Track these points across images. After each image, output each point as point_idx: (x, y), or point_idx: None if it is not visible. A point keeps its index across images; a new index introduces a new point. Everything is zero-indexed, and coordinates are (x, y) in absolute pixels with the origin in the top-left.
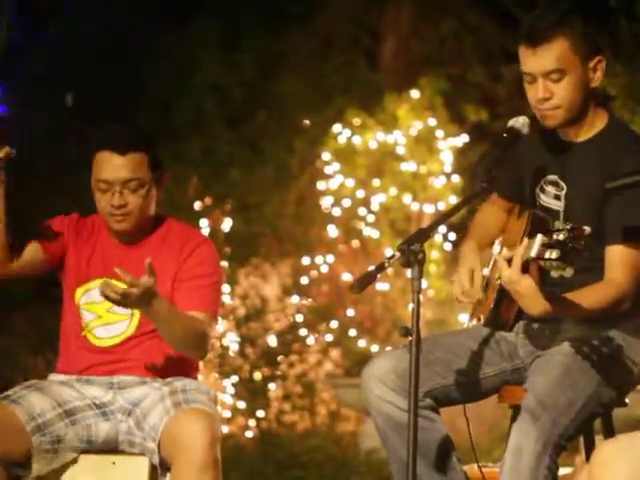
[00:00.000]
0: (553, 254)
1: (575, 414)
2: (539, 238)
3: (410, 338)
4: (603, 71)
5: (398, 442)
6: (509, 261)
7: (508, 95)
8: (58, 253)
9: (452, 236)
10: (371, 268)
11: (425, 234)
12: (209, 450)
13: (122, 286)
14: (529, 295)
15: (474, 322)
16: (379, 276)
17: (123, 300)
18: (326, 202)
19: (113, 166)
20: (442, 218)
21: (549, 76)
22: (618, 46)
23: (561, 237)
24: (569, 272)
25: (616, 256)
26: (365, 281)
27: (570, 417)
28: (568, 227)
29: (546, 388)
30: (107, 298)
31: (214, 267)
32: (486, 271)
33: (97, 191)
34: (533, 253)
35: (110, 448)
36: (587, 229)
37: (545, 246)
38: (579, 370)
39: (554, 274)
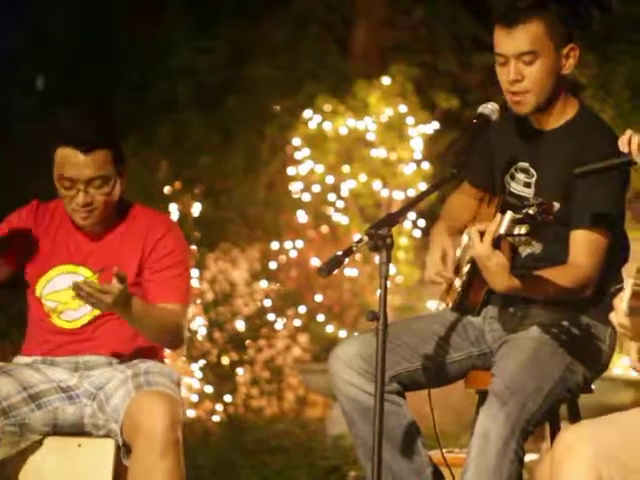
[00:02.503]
0: (522, 229)
1: (542, 399)
2: (509, 214)
3: (377, 323)
4: (576, 59)
5: (364, 426)
6: (482, 236)
7: (479, 83)
8: (18, 260)
9: (421, 223)
10: (339, 252)
11: (393, 219)
12: (169, 432)
13: (87, 274)
14: (497, 271)
15: (442, 306)
16: (347, 260)
17: (95, 303)
18: (296, 188)
19: (76, 165)
20: (411, 204)
21: (522, 58)
22: (590, 36)
23: (531, 211)
24: (538, 247)
25: (581, 240)
26: (332, 265)
27: (538, 402)
28: (537, 202)
29: (514, 373)
30: (80, 298)
31: (183, 255)
32: (458, 253)
33: (60, 186)
34: (503, 229)
35: (77, 431)
36: (556, 204)
37: (515, 222)
38: (547, 354)
39: (523, 250)
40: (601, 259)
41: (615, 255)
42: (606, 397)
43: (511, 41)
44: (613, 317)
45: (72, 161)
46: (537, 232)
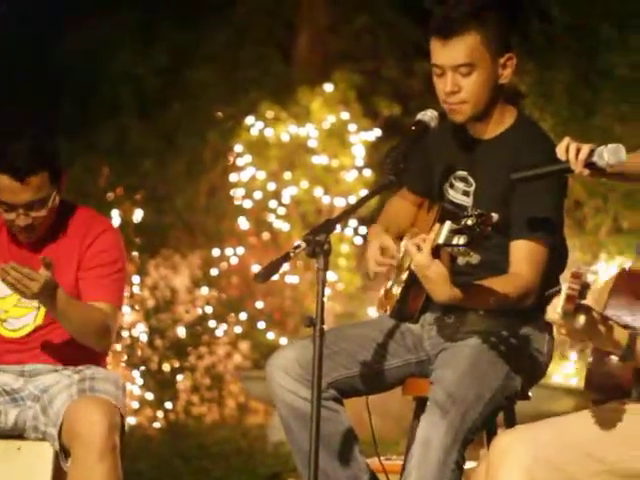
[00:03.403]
0: (461, 240)
1: (483, 407)
2: (448, 224)
3: (314, 329)
4: (513, 69)
5: (301, 433)
6: (419, 247)
7: (421, 90)
8: None
9: (363, 230)
10: (276, 258)
11: (331, 225)
12: (107, 438)
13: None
14: (437, 281)
15: (381, 313)
16: (284, 266)
17: (22, 289)
18: (237, 194)
19: (13, 191)
20: (349, 210)
21: (458, 69)
22: (530, 44)
23: (469, 222)
24: (475, 259)
25: (522, 251)
26: (270, 271)
27: (478, 411)
28: (476, 213)
29: (455, 382)
30: (6, 283)
31: (117, 255)
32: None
33: None
34: (441, 239)
35: (17, 434)
36: (495, 216)
37: (453, 232)
38: (487, 363)
39: (461, 261)
40: (542, 268)
41: (554, 263)
42: (546, 405)
43: (448, 53)
44: (549, 313)
45: (8, 188)
46: (475, 243)
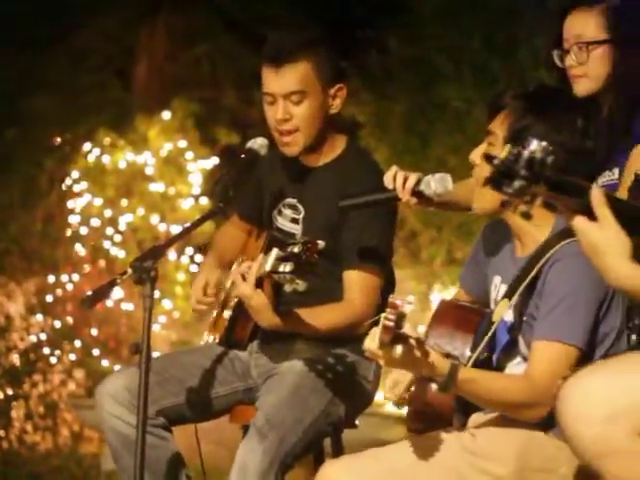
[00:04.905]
0: (287, 267)
1: (302, 432)
2: (274, 252)
3: (140, 355)
4: (343, 99)
5: (130, 460)
6: (245, 276)
7: (260, 119)
8: None
9: (199, 258)
10: (103, 284)
11: (158, 252)
12: None
13: None
14: (262, 310)
15: (211, 339)
16: (120, 293)
17: None
18: (74, 220)
19: None
20: (176, 237)
21: (290, 97)
22: (367, 75)
23: (296, 249)
24: (302, 286)
25: (354, 280)
26: (96, 297)
27: (297, 435)
28: (302, 240)
29: (275, 406)
30: None
31: None
32: (228, 285)
33: None
34: (268, 266)
35: None
36: (321, 243)
37: (280, 259)
38: (310, 388)
39: (288, 288)
40: (374, 297)
41: (384, 291)
42: (377, 433)
43: (279, 81)
44: (367, 342)
45: None
46: (301, 270)
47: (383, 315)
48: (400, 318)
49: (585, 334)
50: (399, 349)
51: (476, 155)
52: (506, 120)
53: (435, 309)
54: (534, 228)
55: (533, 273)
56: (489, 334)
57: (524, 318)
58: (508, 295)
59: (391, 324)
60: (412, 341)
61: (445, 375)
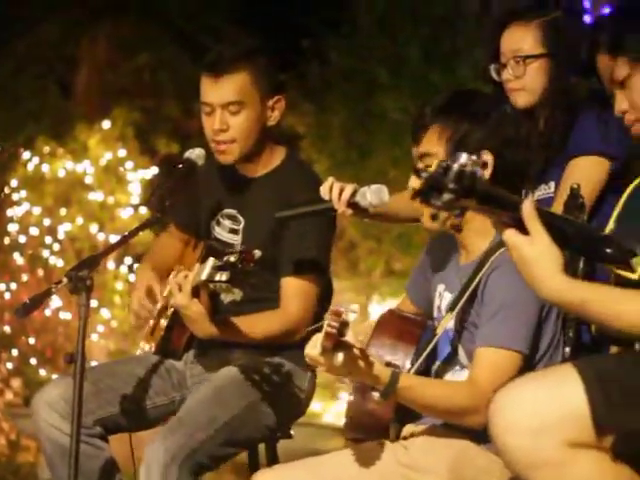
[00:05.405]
0: (223, 276)
1: (215, 430)
2: (211, 261)
3: (74, 365)
4: (281, 111)
5: (63, 469)
6: (181, 286)
7: (200, 129)
8: None
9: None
10: (37, 293)
11: (94, 261)
12: None
13: None
14: (197, 319)
15: (147, 348)
16: (57, 302)
17: None
18: (12, 229)
19: None
20: (112, 247)
21: (227, 107)
22: (308, 87)
23: (232, 259)
24: (238, 295)
25: (289, 288)
26: (31, 306)
27: (208, 433)
28: (239, 250)
29: (191, 406)
30: None
31: None
32: (165, 293)
33: None
34: (204, 276)
35: None
36: (257, 252)
37: (216, 269)
38: (232, 391)
39: (224, 297)
40: (311, 305)
41: (321, 301)
42: (313, 444)
43: (217, 91)
44: (308, 349)
45: None
46: (237, 280)
47: (326, 322)
48: (343, 326)
49: (527, 339)
50: (340, 356)
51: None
52: (442, 135)
53: (378, 318)
54: (477, 237)
55: (475, 282)
56: (431, 345)
57: (465, 326)
58: (452, 307)
59: (334, 331)
60: (356, 350)
61: (386, 382)
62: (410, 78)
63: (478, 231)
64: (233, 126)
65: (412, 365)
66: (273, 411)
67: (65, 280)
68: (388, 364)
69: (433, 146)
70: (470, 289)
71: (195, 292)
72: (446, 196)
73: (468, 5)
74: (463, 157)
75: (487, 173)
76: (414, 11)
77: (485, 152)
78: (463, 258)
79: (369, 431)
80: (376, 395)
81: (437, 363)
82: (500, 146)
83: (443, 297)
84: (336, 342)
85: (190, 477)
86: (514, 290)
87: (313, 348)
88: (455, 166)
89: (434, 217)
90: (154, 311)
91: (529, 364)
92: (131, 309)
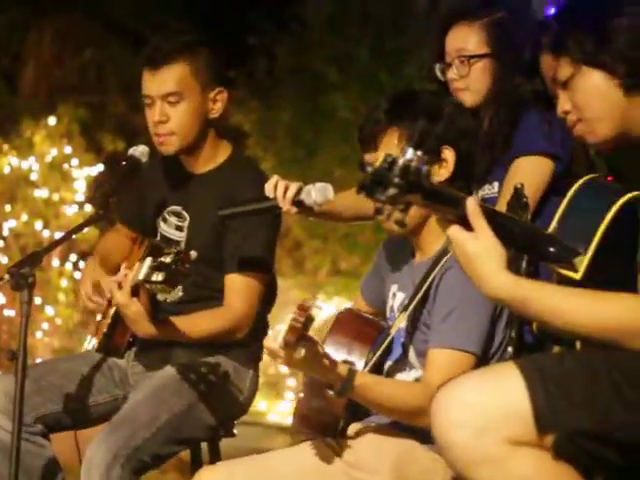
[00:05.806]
0: (159, 277)
1: (157, 429)
2: (148, 261)
3: (16, 362)
4: (224, 103)
5: (4, 466)
6: (121, 284)
7: (147, 126)
8: None
9: (83, 265)
10: None
11: (36, 258)
12: None
13: None
14: (136, 319)
15: (93, 342)
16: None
17: None
18: None
19: None
20: (55, 243)
21: (167, 99)
22: (254, 83)
23: (168, 260)
24: (174, 295)
25: (234, 284)
26: None
27: (150, 431)
28: (175, 251)
29: (132, 404)
30: None
31: None
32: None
33: None
34: (141, 275)
35: None
36: (194, 253)
37: (153, 269)
38: (172, 390)
39: (160, 297)
40: (255, 302)
41: (265, 299)
42: (258, 443)
43: (156, 82)
44: (268, 340)
45: None
46: (173, 280)
47: (291, 316)
48: (308, 321)
49: (480, 340)
50: (302, 351)
51: None
52: (402, 137)
53: (336, 316)
54: (432, 236)
55: (428, 282)
56: (384, 345)
57: (417, 327)
58: (405, 307)
59: (299, 325)
60: (318, 346)
61: (343, 379)
62: (359, 77)
63: (432, 231)
64: (173, 117)
65: (366, 364)
66: (211, 410)
67: (7, 277)
68: (344, 362)
69: (393, 149)
70: (423, 289)
71: (135, 291)
72: (391, 191)
73: (417, 5)
74: (409, 152)
75: (449, 168)
76: (363, 10)
77: (446, 147)
78: (417, 257)
79: (317, 429)
80: (330, 392)
81: (389, 363)
82: (458, 138)
83: (396, 297)
84: (300, 336)
85: (132, 476)
86: (467, 291)
87: (273, 341)
88: (401, 161)
89: (378, 211)
90: (103, 305)
91: (482, 364)
92: (82, 302)
